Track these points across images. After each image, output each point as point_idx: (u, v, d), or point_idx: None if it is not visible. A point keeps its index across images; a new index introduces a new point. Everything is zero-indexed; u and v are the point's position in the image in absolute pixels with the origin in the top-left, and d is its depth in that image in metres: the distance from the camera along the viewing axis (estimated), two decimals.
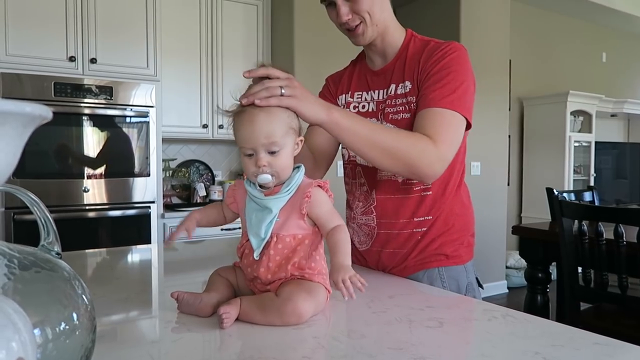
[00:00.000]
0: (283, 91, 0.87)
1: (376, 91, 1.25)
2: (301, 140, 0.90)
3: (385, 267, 1.26)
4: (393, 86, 1.21)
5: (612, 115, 5.98)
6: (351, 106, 1.28)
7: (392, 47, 1.24)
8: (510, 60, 4.43)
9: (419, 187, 1.20)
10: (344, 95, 1.32)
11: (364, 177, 1.26)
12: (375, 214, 1.24)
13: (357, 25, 1.17)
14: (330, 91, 1.36)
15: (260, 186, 0.86)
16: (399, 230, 1.22)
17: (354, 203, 1.30)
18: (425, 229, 1.21)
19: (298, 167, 0.90)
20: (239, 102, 0.86)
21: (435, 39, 1.23)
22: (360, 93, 1.29)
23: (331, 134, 1.02)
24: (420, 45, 1.21)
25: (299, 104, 0.90)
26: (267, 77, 0.89)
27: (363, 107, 1.27)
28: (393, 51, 1.24)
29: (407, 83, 1.19)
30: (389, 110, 1.21)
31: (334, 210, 0.89)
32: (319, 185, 0.88)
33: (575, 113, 5.16)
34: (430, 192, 1.20)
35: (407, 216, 1.21)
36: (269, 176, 0.84)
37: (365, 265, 1.29)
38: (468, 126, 1.16)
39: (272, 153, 0.84)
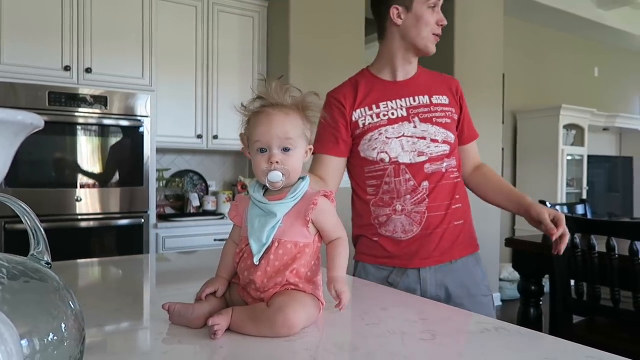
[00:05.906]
0: None
1: (404, 99, 1.43)
2: (310, 149, 0.92)
3: (432, 252, 1.38)
4: (426, 97, 1.43)
5: (605, 129, 6.03)
6: (381, 115, 1.41)
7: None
8: (503, 74, 4.47)
9: (454, 175, 1.43)
10: (362, 109, 1.42)
11: (409, 173, 1.39)
12: (427, 200, 1.38)
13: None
14: (341, 109, 1.43)
15: (269, 185, 0.87)
16: (445, 211, 1.39)
17: (400, 199, 1.39)
18: (459, 205, 1.42)
19: (303, 177, 0.91)
20: (256, 99, 0.90)
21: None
22: (386, 103, 1.43)
23: None
24: (430, 72, 1.52)
25: None
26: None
27: (392, 114, 1.41)
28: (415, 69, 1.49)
29: (444, 98, 1.45)
30: (429, 116, 1.41)
31: (339, 221, 0.91)
32: (325, 195, 0.89)
33: (568, 127, 5.20)
34: (460, 180, 1.46)
35: (448, 199, 1.40)
36: (280, 174, 0.85)
37: (403, 259, 1.39)
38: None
39: (285, 151, 0.86)
